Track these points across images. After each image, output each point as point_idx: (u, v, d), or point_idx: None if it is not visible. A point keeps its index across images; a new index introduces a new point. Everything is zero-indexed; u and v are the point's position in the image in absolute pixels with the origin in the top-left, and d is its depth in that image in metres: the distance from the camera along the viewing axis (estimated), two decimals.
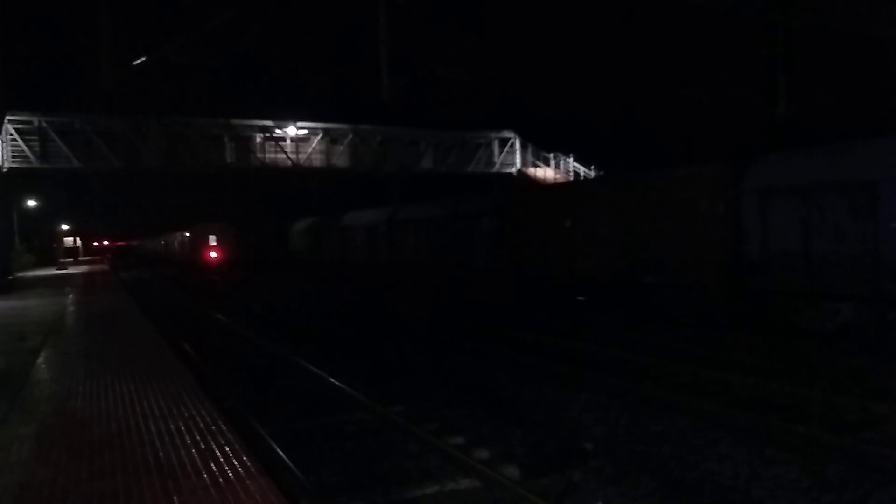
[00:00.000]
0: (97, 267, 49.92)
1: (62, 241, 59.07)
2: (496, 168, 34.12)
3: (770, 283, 13.43)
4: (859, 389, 9.31)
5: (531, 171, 34.24)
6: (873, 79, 22.25)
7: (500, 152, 34.16)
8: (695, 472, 7.03)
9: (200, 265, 48.59)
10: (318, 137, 30.85)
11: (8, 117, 25.79)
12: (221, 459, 5.42)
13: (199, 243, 49.84)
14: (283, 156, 30.40)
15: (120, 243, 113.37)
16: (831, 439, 7.44)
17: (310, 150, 30.71)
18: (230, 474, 5.08)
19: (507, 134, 34.26)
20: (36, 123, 26.35)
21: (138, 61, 17.76)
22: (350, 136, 31.41)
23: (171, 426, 6.41)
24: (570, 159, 33.75)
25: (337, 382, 10.67)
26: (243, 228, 51.32)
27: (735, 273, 14.10)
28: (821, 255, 12.47)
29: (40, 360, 10.35)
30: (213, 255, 49.17)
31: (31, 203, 46.52)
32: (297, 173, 32.38)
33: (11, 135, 25.83)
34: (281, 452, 7.43)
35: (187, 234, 52.88)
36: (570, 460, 7.35)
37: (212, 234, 49.67)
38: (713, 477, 6.87)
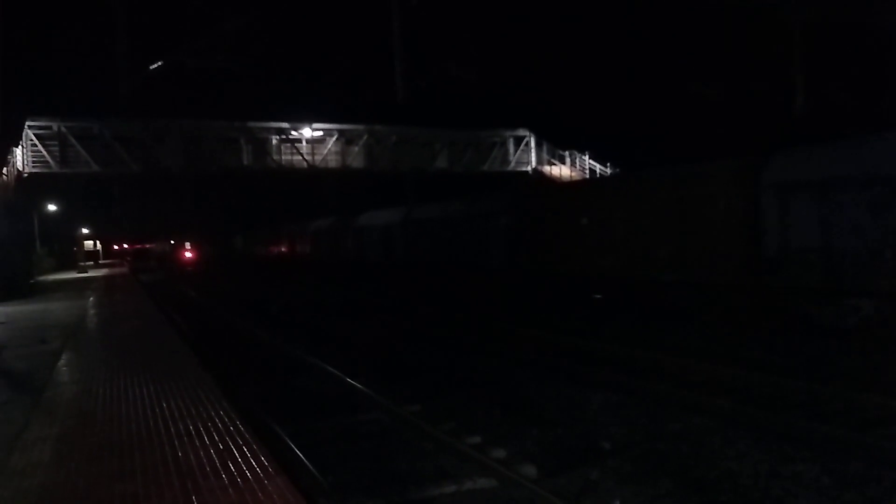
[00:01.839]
0: (117, 270, 50.45)
1: (82, 245, 59.62)
2: (511, 167, 34.04)
3: (789, 280, 13.31)
4: (880, 386, 9.20)
5: (546, 169, 34.11)
6: (890, 72, 21.98)
7: (515, 151, 34.07)
8: (713, 470, 6.99)
9: (179, 262, 69.28)
10: (334, 138, 30.93)
11: (28, 123, 26.11)
12: (239, 459, 5.46)
13: (179, 248, 75.56)
14: (299, 157, 30.53)
15: (138, 246, 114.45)
16: (851, 436, 7.37)
17: (325, 151, 30.81)
18: (248, 474, 5.12)
19: (521, 132, 34.16)
20: (55, 129, 26.64)
21: (155, 66, 17.95)
22: (365, 137, 31.47)
23: (190, 427, 6.47)
24: (586, 157, 33.59)
25: (355, 382, 10.71)
26: (218, 237, 74.75)
27: (753, 269, 13.99)
28: (840, 251, 12.35)
29: (61, 362, 10.48)
30: (188, 255, 72.55)
31: (52, 207, 47.06)
32: (313, 174, 32.49)
33: (31, 140, 26.13)
34: (298, 452, 7.48)
35: (172, 242, 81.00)
36: (588, 459, 7.34)
37: (186, 241, 74.46)
38: (732, 476, 6.83)
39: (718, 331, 14.00)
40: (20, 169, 26.13)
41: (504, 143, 34.05)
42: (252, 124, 29.99)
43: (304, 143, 30.61)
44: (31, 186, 28.80)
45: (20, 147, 26.12)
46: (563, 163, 34.02)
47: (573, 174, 33.42)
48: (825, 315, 12.76)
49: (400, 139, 32.20)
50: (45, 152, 26.28)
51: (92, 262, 60.20)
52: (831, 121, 21.54)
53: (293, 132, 30.41)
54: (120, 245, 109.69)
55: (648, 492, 6.53)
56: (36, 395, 8.18)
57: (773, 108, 24.52)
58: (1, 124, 25.07)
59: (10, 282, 23.88)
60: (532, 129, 34.30)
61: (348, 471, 7.26)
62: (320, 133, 30.76)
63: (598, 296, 18.51)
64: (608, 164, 33.33)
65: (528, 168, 34.21)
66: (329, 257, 40.14)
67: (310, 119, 30.57)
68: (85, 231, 62.57)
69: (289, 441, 7.88)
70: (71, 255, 54.44)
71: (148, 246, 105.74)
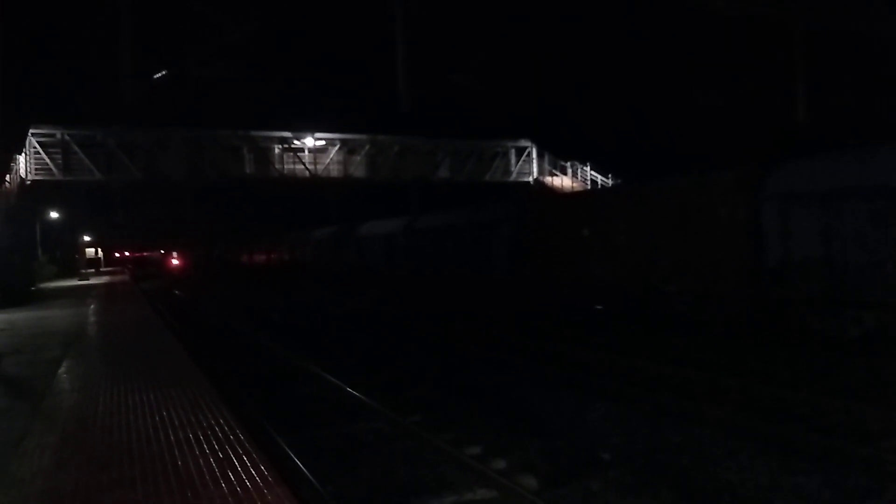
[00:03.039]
0: (118, 277, 50.47)
1: (84, 252, 59.72)
2: (513, 177, 34.11)
3: (791, 290, 13.29)
4: (882, 398, 9.18)
5: (548, 179, 34.18)
6: (893, 81, 22.01)
7: (517, 161, 34.15)
8: (714, 482, 6.97)
9: (168, 268, 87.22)
10: (336, 148, 31.02)
11: (31, 131, 26.21)
12: (239, 469, 5.46)
13: (168, 256, 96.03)
14: (302, 166, 30.61)
15: (139, 254, 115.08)
16: (853, 449, 7.35)
17: (328, 160, 30.89)
18: (248, 483, 5.11)
19: (523, 143, 34.25)
20: (58, 136, 26.75)
21: (159, 74, 18.02)
22: (367, 147, 31.55)
23: (190, 435, 6.47)
24: (587, 167, 33.66)
25: (350, 389, 10.69)
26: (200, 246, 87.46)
27: (755, 280, 13.98)
28: (842, 262, 12.33)
29: (62, 369, 10.48)
30: (175, 262, 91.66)
31: (54, 215, 47.15)
32: (315, 183, 32.56)
33: (35, 148, 26.24)
34: (298, 462, 7.46)
35: (162, 251, 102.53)
36: (588, 470, 7.32)
37: (174, 251, 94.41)
38: (733, 487, 6.81)
39: (720, 341, 13.98)
40: (23, 176, 26.23)
41: (506, 154, 34.13)
42: (254, 133, 30.09)
43: (306, 152, 30.71)
44: (34, 194, 28.91)
45: (23, 154, 26.22)
46: (565, 173, 34.09)
47: (574, 185, 33.48)
48: (827, 326, 12.74)
49: (402, 149, 32.28)
50: (48, 160, 26.38)
51: (93, 270, 60.23)
52: (834, 130, 21.56)
53: (295, 141, 30.51)
54: (122, 253, 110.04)
55: (649, 503, 6.51)
56: (36, 403, 8.17)
57: (775, 117, 24.56)
58: (4, 132, 25.17)
59: (11, 288, 23.92)
60: (534, 140, 34.40)
61: (348, 480, 7.25)
62: (322, 142, 30.86)
63: (600, 307, 18.50)
64: (609, 175, 33.39)
65: (530, 178, 34.28)
66: (331, 266, 40.17)
67: (312, 128, 30.67)
68: (87, 238, 62.74)
69: (288, 450, 7.86)
70: (73, 263, 54.52)
71: (146, 254, 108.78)
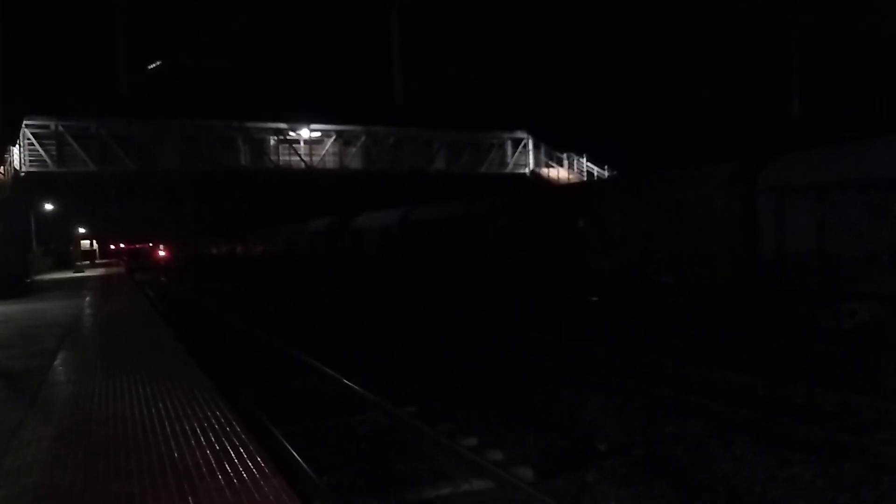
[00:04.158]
0: (113, 270, 50.34)
1: (79, 244, 59.42)
2: (509, 168, 34.08)
3: (786, 283, 13.31)
4: (876, 390, 9.22)
5: (544, 171, 34.16)
6: (887, 76, 22.03)
7: (513, 153, 34.11)
8: (709, 473, 7.00)
9: (154, 260, 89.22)
10: (332, 139, 30.94)
11: (25, 122, 26.08)
12: (236, 460, 5.46)
13: (155, 249, 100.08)
14: (297, 158, 30.53)
15: (134, 246, 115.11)
16: (847, 440, 7.38)
17: (323, 151, 30.81)
18: (244, 475, 5.11)
19: (520, 134, 34.20)
20: (53, 128, 26.63)
21: (154, 66, 17.94)
22: (363, 138, 31.47)
23: (186, 427, 6.46)
24: (584, 159, 33.63)
25: (347, 381, 10.69)
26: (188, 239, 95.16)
27: (750, 272, 14.00)
28: (837, 254, 12.35)
29: (57, 361, 10.45)
30: (161, 254, 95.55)
31: (49, 206, 46.93)
32: (311, 175, 32.48)
33: (29, 139, 26.12)
34: (295, 453, 7.46)
35: (150, 244, 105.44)
36: (584, 461, 7.34)
37: (160, 243, 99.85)
38: (728, 478, 6.84)
39: (715, 334, 14.01)
40: (17, 168, 26.11)
41: (502, 145, 34.09)
42: (250, 124, 29.99)
43: (301, 143, 30.63)
44: (29, 185, 28.78)
45: (17, 146, 26.09)
46: (561, 165, 34.08)
47: (571, 176, 33.47)
48: (822, 318, 12.76)
49: (398, 140, 32.22)
50: (42, 151, 26.27)
51: (88, 262, 60.04)
52: (828, 124, 21.58)
53: (291, 133, 30.42)
54: (116, 245, 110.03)
55: (644, 494, 6.54)
56: (32, 395, 8.15)
57: (771, 110, 24.58)
58: None
59: (6, 281, 23.82)
60: (530, 132, 34.37)
61: (345, 472, 7.25)
62: (318, 134, 30.78)
63: (595, 298, 18.52)
64: (606, 167, 33.38)
65: (526, 170, 34.27)
66: (326, 258, 40.11)
67: (308, 119, 30.59)
68: (81, 230, 62.46)
69: (285, 442, 7.87)
70: (68, 255, 54.30)
71: (138, 246, 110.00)
